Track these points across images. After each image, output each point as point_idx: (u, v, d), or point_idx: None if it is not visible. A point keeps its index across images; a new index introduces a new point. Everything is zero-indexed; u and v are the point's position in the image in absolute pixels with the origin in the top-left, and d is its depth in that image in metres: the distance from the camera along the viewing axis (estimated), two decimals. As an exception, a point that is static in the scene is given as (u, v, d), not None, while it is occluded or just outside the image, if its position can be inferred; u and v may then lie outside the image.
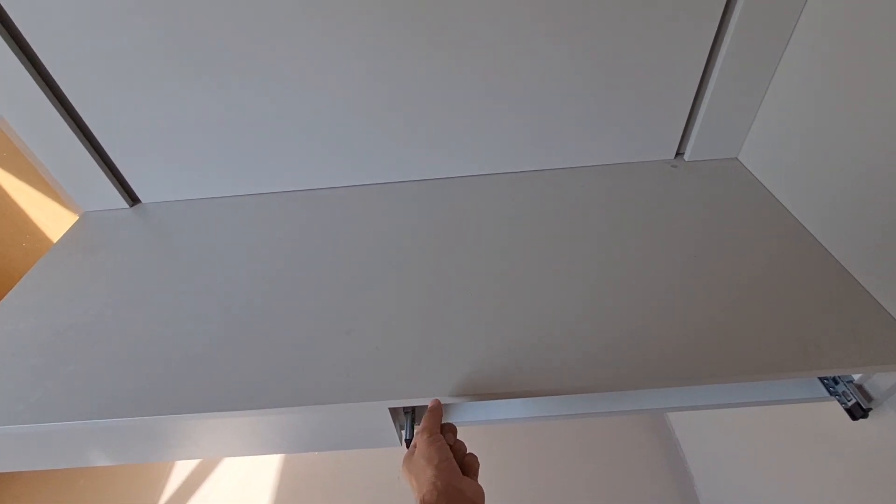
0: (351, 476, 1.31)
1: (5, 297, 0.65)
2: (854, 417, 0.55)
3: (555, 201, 0.75)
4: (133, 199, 0.84)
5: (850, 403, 0.56)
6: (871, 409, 0.54)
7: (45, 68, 0.66)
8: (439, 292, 0.60)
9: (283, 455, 1.37)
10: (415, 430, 0.57)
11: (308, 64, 0.67)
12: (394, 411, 0.54)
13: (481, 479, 0.43)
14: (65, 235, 0.76)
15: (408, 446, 0.56)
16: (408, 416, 0.58)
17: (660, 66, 0.69)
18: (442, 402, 0.50)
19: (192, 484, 1.33)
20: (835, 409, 0.58)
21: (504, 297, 0.59)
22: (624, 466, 1.24)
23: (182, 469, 1.36)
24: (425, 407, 0.60)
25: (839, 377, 0.58)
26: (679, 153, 0.82)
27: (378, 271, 0.65)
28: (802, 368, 0.49)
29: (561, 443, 1.27)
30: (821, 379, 0.60)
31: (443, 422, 0.60)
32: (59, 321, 0.61)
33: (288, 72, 0.68)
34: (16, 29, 0.63)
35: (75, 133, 0.73)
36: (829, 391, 0.59)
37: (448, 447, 0.44)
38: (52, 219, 1.15)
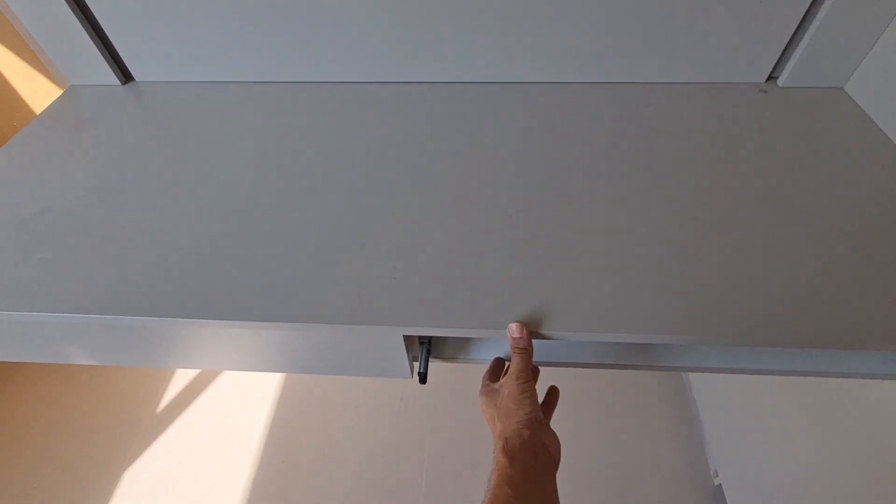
0: (351, 396, 1.30)
1: (-26, 173, 0.57)
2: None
3: (615, 120, 0.63)
4: (126, 75, 0.73)
5: (945, 386, 0.47)
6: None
7: None
8: (471, 211, 0.51)
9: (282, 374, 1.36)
10: (428, 363, 0.50)
11: None
12: (408, 340, 0.47)
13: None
14: (47, 109, 0.67)
15: (421, 380, 0.49)
16: (423, 347, 0.50)
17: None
18: (460, 335, 0.42)
19: (193, 390, 1.33)
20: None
21: (546, 223, 0.49)
22: (633, 419, 1.20)
23: (183, 374, 1.36)
24: (444, 339, 0.54)
25: (939, 355, 0.48)
26: (772, 76, 0.68)
27: (403, 179, 0.55)
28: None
29: (572, 387, 1.23)
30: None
31: (460, 358, 0.53)
32: (35, 203, 0.54)
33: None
34: None
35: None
36: (919, 369, 0.50)
37: (537, 399, 0.42)
38: (42, 94, 1.05)
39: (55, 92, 1.04)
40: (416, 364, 0.51)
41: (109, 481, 1.15)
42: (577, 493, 1.09)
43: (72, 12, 0.63)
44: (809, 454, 0.78)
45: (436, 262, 0.46)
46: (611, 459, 1.13)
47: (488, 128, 0.62)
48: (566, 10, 0.61)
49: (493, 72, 0.69)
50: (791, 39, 0.63)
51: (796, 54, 0.64)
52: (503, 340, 0.53)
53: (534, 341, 0.42)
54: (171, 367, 0.56)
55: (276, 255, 0.47)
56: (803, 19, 0.61)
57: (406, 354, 0.48)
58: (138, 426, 1.25)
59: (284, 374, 1.35)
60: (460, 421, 1.23)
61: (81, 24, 0.65)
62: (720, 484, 1.02)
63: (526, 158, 0.57)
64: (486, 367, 0.50)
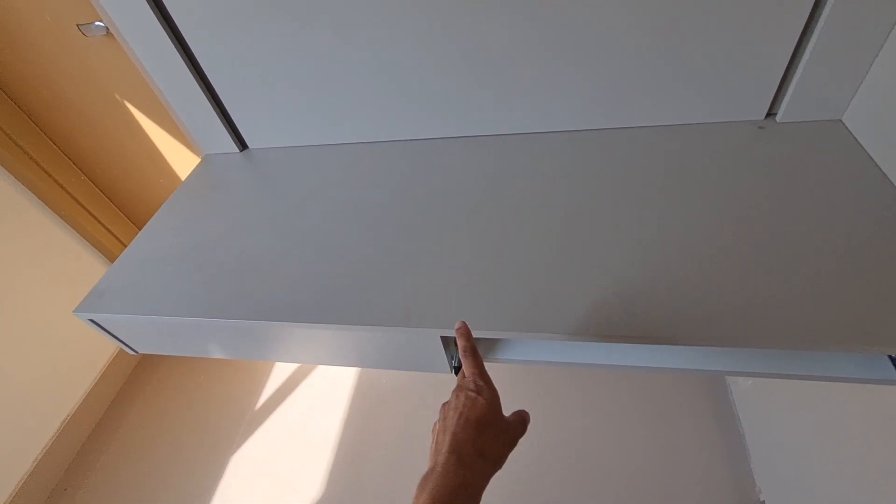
0: (411, 401, 1.46)
1: (148, 223, 0.82)
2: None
3: (618, 164, 0.73)
4: (243, 144, 0.97)
5: (919, 388, 0.53)
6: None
7: (177, 28, 0.78)
8: (496, 237, 0.65)
9: (356, 378, 1.56)
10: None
11: (405, 21, 0.71)
12: (445, 340, 0.62)
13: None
14: (191, 174, 0.92)
15: (456, 371, 0.64)
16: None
17: (755, 8, 0.62)
18: (490, 337, 0.55)
19: (283, 392, 1.58)
20: (903, 394, 0.55)
21: (563, 247, 0.61)
22: (674, 431, 1.23)
23: (275, 378, 1.62)
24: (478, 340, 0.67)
25: (912, 361, 0.54)
26: (771, 113, 0.75)
27: (445, 217, 0.70)
28: (870, 343, 0.47)
29: (610, 397, 1.28)
30: (893, 361, 0.56)
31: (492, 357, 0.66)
32: (187, 241, 0.77)
33: (389, 28, 0.72)
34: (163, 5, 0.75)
35: (196, 81, 0.83)
36: (899, 374, 0.55)
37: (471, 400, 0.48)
38: (182, 161, 1.38)
39: (192, 159, 1.36)
40: (453, 361, 0.65)
41: (220, 463, 1.40)
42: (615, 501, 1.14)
43: (202, 93, 0.86)
44: (860, 472, 0.77)
45: (468, 278, 0.60)
46: (650, 468, 1.17)
47: (503, 173, 0.76)
48: (566, 64, 0.72)
49: (498, 125, 0.83)
50: (785, 74, 0.69)
51: (791, 88, 0.70)
52: (517, 342, 0.66)
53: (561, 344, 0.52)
54: (269, 359, 0.76)
55: (345, 275, 0.64)
56: (795, 52, 0.66)
57: (444, 352, 0.63)
58: (241, 420, 1.51)
59: (356, 379, 1.55)
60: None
61: (210, 103, 0.88)
62: (764, 501, 1.02)
63: (544, 200, 0.69)
64: (509, 366, 0.63)
